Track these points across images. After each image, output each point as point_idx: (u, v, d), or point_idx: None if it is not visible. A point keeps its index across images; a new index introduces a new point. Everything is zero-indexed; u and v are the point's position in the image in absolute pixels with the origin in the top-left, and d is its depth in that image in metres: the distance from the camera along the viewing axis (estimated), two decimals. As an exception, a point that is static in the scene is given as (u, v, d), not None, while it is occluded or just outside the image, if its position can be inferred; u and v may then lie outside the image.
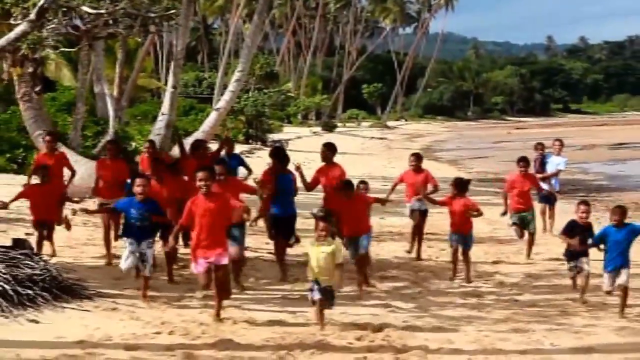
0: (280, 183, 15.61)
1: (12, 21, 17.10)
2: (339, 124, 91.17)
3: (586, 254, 14.20)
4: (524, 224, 18.43)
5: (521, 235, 18.54)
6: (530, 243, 18.53)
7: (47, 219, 16.16)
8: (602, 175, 41.91)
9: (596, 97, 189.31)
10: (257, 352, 10.74)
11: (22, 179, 26.15)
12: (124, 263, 13.46)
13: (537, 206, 20.46)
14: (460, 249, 16.15)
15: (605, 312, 13.40)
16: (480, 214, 16.28)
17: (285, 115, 77.71)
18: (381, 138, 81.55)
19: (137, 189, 13.59)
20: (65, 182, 18.24)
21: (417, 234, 18.32)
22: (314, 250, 11.81)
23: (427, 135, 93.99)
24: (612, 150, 62.85)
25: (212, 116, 36.01)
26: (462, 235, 16.14)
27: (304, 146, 54.48)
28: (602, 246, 13.51)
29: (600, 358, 11.09)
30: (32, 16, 15.51)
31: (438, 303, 13.22)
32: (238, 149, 45.60)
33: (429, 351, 11.01)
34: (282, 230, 15.84)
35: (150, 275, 13.39)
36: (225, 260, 12.33)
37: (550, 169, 21.31)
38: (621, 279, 13.05)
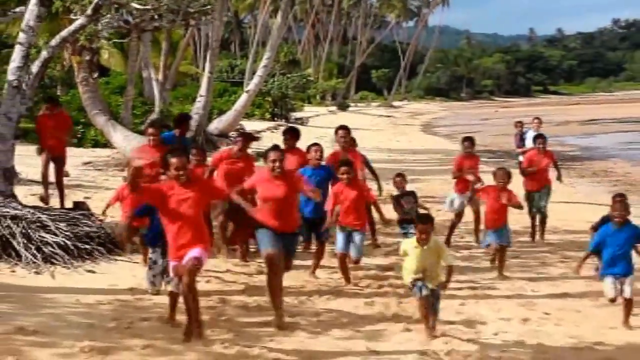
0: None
1: (72, 16, 17.06)
2: (351, 104, 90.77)
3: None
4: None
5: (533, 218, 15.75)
6: (541, 222, 15.79)
7: None
8: (576, 147, 41.77)
9: (571, 80, 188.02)
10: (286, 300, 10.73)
11: (81, 151, 26.36)
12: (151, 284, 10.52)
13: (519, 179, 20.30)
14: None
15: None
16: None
17: (305, 97, 77.31)
18: (388, 116, 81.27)
19: None
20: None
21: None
22: (416, 252, 9.32)
23: (426, 114, 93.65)
24: (584, 125, 62.50)
25: (243, 97, 36.11)
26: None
27: (321, 123, 54.49)
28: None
29: (574, 302, 11.08)
30: (88, 12, 15.47)
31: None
32: (264, 125, 45.84)
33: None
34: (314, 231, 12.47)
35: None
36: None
37: (528, 144, 20.99)
38: (626, 292, 9.85)
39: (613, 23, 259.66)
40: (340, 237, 11.79)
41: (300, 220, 10.52)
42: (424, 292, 9.21)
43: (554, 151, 18.28)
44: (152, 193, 8.93)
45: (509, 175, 12.80)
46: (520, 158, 20.73)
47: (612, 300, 9.91)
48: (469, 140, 15.60)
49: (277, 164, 9.81)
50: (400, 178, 13.65)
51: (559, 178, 16.74)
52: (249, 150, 14.21)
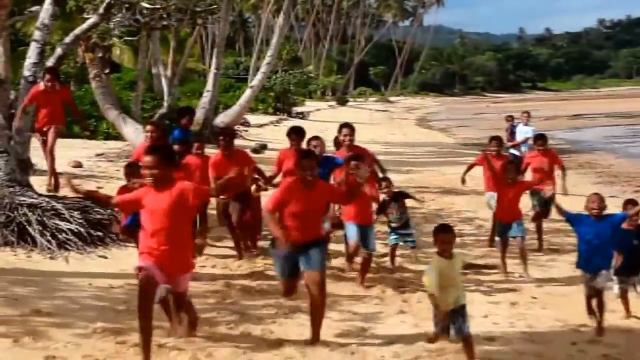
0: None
1: (84, 15, 17.03)
2: (350, 99, 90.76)
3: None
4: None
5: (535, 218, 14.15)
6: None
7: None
8: (563, 140, 41.66)
9: (558, 77, 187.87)
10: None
11: (93, 143, 26.35)
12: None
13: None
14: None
15: (564, 250, 13.34)
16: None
17: (307, 92, 77.24)
18: (384, 110, 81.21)
19: None
20: None
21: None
22: (442, 265, 7.72)
23: (421, 108, 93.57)
24: (570, 120, 62.47)
25: (247, 93, 36.14)
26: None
27: (322, 117, 54.51)
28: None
29: (560, 287, 11.10)
30: (100, 11, 15.49)
31: (429, 243, 13.15)
32: (267, 119, 45.85)
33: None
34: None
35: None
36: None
37: (519, 137, 20.95)
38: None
39: (599, 23, 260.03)
40: (354, 229, 10.78)
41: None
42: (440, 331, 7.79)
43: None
44: (126, 205, 7.98)
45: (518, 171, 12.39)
46: (512, 151, 20.73)
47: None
48: (496, 140, 14.37)
49: (308, 172, 8.36)
50: (386, 182, 11.86)
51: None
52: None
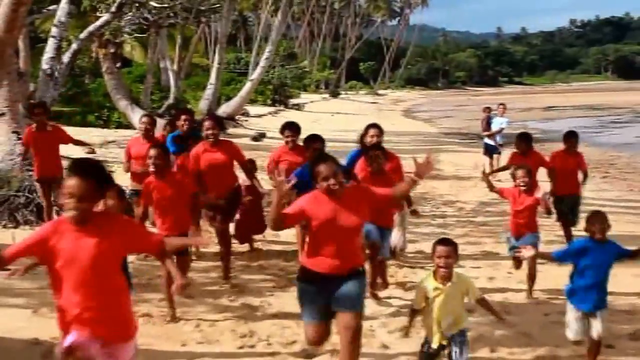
0: None
1: (98, 14, 17.00)
2: (342, 92, 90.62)
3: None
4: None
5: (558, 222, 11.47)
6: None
7: None
8: (537, 130, 41.49)
9: (533, 73, 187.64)
10: (285, 262, 10.78)
11: (107, 132, 26.32)
12: None
13: (485, 158, 20.29)
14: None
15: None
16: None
17: (302, 85, 76.99)
18: (373, 102, 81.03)
19: None
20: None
21: None
22: (439, 293, 5.91)
23: (407, 101, 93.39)
24: (544, 112, 62.42)
25: (247, 85, 36.28)
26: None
27: (315, 108, 54.53)
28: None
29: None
30: (112, 9, 15.45)
31: (413, 222, 13.07)
32: (266, 110, 45.74)
33: (407, 257, 11.05)
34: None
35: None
36: None
37: (494, 127, 20.86)
38: (596, 328, 6.66)
39: (570, 23, 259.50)
40: (374, 228, 8.47)
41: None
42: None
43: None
44: (21, 252, 4.62)
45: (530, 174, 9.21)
46: (487, 140, 20.72)
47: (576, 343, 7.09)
48: (522, 138, 11.69)
49: (332, 181, 5.71)
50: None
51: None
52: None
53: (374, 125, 9.77)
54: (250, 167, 10.18)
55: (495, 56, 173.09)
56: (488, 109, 21.46)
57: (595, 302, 6.68)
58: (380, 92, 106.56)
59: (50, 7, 17.10)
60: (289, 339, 7.49)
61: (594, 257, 6.57)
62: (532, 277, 9.24)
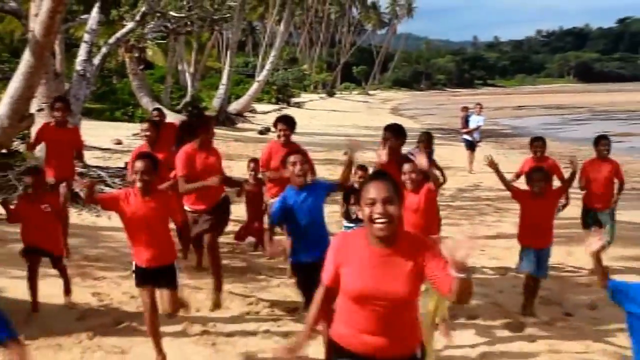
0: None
1: (124, 22, 16.95)
2: (337, 92, 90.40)
3: None
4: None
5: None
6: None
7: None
8: (508, 127, 41.71)
9: (504, 76, 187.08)
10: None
11: (131, 125, 26.23)
12: None
13: (465, 152, 20.24)
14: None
15: (508, 213, 13.34)
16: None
17: (302, 86, 76.75)
18: (365, 101, 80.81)
19: None
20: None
21: None
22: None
23: (394, 100, 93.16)
24: (514, 110, 62.35)
25: (254, 86, 36.28)
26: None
27: (314, 106, 54.43)
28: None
29: (505, 241, 11.09)
30: (137, 18, 15.41)
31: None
32: (270, 107, 45.67)
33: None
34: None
35: None
36: None
37: (472, 125, 20.80)
38: None
39: (537, 33, 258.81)
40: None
41: None
42: None
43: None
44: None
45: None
46: (465, 136, 20.67)
47: None
48: (538, 141, 9.72)
49: (379, 209, 3.55)
50: (362, 171, 8.35)
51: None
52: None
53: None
54: (229, 179, 8.14)
55: (471, 61, 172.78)
56: (466, 108, 21.41)
57: None
58: (371, 92, 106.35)
59: (83, 16, 17.04)
60: (290, 307, 7.52)
61: None
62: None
